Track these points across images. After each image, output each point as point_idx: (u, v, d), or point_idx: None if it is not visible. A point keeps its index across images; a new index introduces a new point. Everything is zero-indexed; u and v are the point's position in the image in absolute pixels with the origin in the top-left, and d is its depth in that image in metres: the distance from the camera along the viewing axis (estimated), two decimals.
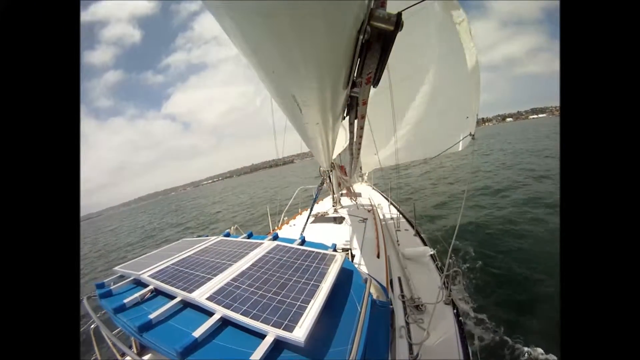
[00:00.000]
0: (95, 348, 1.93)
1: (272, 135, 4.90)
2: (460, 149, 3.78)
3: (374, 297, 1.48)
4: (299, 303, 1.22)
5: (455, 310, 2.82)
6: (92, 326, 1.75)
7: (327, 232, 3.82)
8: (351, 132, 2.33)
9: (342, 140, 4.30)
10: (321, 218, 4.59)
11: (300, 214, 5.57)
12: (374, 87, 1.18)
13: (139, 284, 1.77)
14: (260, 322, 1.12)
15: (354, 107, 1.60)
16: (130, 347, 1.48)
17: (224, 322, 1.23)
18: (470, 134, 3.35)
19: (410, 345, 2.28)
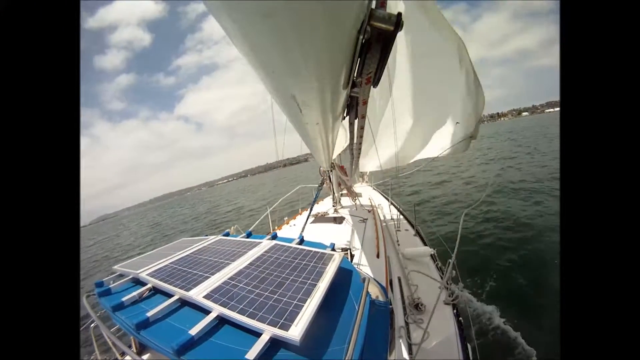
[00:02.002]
0: (95, 347, 1.93)
1: (284, 133, 4.80)
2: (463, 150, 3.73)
3: (374, 297, 1.48)
4: (295, 302, 1.21)
5: (455, 311, 2.82)
6: (92, 325, 1.75)
7: (327, 232, 3.82)
8: (351, 132, 2.33)
9: (342, 141, 4.30)
10: (321, 218, 4.59)
11: (301, 214, 5.57)
12: (374, 87, 1.18)
13: (138, 282, 1.78)
14: (257, 320, 1.12)
15: (354, 107, 1.60)
16: (129, 346, 1.48)
17: (221, 321, 1.23)
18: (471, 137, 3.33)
19: (410, 346, 2.28)
